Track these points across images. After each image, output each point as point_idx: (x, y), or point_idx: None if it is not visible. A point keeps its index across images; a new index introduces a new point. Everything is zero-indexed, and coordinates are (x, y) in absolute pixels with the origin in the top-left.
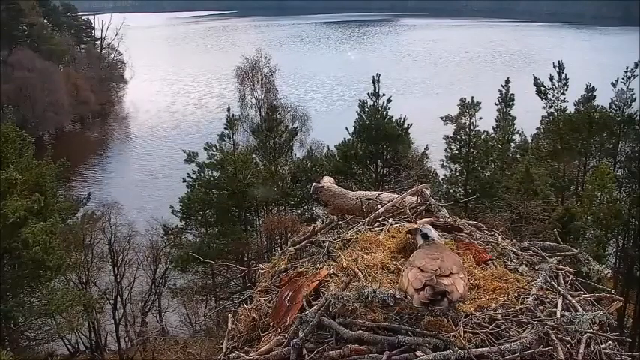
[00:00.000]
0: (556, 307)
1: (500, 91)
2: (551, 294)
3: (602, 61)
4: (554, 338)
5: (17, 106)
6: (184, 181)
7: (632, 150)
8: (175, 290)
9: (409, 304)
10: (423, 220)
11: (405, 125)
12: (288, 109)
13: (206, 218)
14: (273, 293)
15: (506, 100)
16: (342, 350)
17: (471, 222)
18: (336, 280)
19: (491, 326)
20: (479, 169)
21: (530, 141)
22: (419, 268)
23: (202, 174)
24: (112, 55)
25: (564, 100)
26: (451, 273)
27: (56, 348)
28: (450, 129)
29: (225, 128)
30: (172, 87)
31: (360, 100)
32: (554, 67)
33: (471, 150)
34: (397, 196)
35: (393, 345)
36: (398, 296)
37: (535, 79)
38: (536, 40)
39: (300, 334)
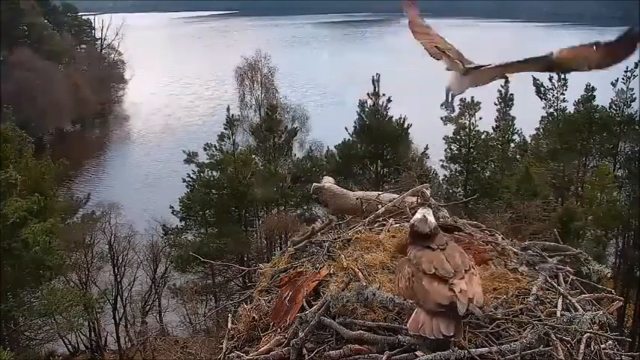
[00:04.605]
0: (556, 307)
1: (499, 91)
2: (551, 294)
3: None
4: (554, 338)
5: (17, 106)
6: (184, 181)
7: (632, 150)
8: (175, 290)
9: (408, 307)
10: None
11: (405, 125)
12: (288, 109)
13: (206, 218)
14: (273, 293)
15: (505, 100)
16: (342, 350)
17: (471, 222)
18: (336, 280)
19: (491, 326)
20: (479, 169)
21: (530, 141)
22: (432, 275)
23: (202, 174)
24: (112, 55)
25: (564, 100)
26: (465, 271)
27: (56, 348)
28: (450, 129)
29: (224, 128)
30: (172, 87)
31: (360, 100)
32: None
33: (471, 150)
34: (397, 196)
35: (393, 345)
36: (397, 301)
37: (534, 79)
38: (536, 40)
39: (300, 334)
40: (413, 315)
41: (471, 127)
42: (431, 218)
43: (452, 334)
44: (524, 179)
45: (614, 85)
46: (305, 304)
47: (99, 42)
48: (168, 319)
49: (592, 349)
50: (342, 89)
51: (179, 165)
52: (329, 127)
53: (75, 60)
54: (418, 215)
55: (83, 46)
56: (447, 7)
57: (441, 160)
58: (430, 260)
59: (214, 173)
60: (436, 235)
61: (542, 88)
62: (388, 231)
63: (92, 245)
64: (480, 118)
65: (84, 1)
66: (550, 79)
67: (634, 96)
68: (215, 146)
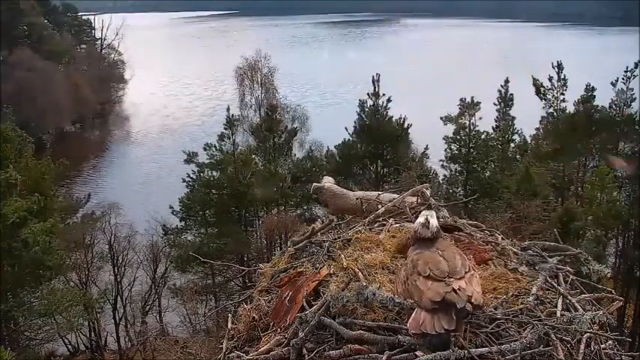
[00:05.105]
0: (556, 307)
1: (499, 91)
2: (551, 294)
3: (602, 61)
4: (554, 338)
5: (17, 106)
6: (184, 181)
7: (632, 150)
8: (175, 290)
9: (408, 307)
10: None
11: (405, 125)
12: (288, 109)
13: (206, 218)
14: (273, 293)
15: (505, 100)
16: (342, 350)
17: (471, 222)
18: (336, 280)
19: (491, 326)
20: (479, 169)
21: (530, 141)
22: (427, 276)
23: (202, 174)
24: (112, 55)
25: (564, 101)
26: (465, 272)
27: (56, 348)
28: (450, 129)
29: (224, 128)
30: (172, 87)
31: (360, 100)
32: (553, 68)
33: (471, 150)
34: (397, 196)
35: (393, 345)
36: (397, 301)
37: (534, 79)
38: (536, 40)
39: (300, 334)
40: (413, 315)
41: (471, 127)
42: (433, 221)
43: (453, 327)
44: (524, 179)
45: (614, 85)
46: (305, 304)
47: (99, 42)
48: (168, 319)
49: (592, 349)
50: (342, 89)
51: (179, 165)
52: (329, 127)
53: (75, 60)
54: (421, 219)
55: (83, 46)
56: (447, 7)
57: (441, 160)
58: (426, 262)
59: (214, 173)
60: (437, 239)
61: (542, 88)
62: (388, 231)
63: (92, 245)
64: (480, 118)
65: (84, 1)
66: (550, 79)
67: (634, 96)
68: (215, 146)
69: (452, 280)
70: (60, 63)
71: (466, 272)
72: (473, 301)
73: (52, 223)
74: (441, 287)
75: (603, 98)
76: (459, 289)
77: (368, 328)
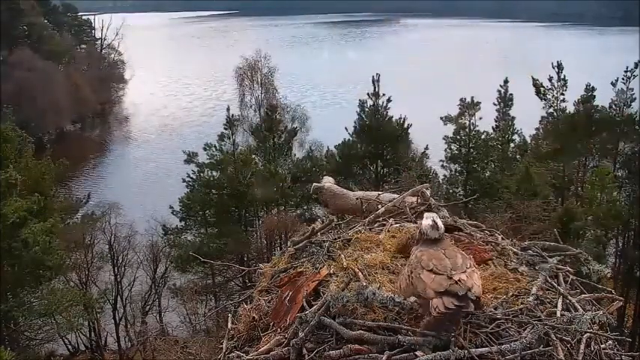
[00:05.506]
0: (556, 307)
1: (499, 91)
2: (551, 294)
3: (602, 61)
4: (554, 338)
5: (17, 106)
6: (184, 181)
7: (632, 150)
8: (175, 290)
9: (407, 307)
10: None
11: (405, 125)
12: (288, 109)
13: (206, 218)
14: (273, 293)
15: (505, 100)
16: (342, 350)
17: (471, 222)
18: (336, 280)
19: (491, 326)
20: (479, 169)
21: (530, 141)
22: (430, 270)
23: (202, 174)
24: (112, 55)
25: (564, 101)
26: (467, 268)
27: (56, 348)
28: (450, 129)
29: (224, 128)
30: (172, 87)
31: (360, 100)
32: (553, 68)
33: (471, 150)
34: (397, 196)
35: (393, 345)
36: (397, 300)
37: (534, 79)
38: (536, 40)
39: (300, 334)
40: (428, 304)
41: (471, 127)
42: (440, 223)
43: (463, 304)
44: (524, 179)
45: (614, 85)
46: (305, 304)
47: (99, 42)
48: (168, 319)
49: (592, 349)
50: (342, 89)
51: (179, 165)
52: (329, 127)
53: (75, 60)
54: (428, 221)
55: (83, 46)
56: (447, 7)
57: (441, 160)
58: (430, 258)
59: (214, 173)
60: (442, 240)
61: (542, 88)
62: (388, 231)
63: (92, 245)
64: (480, 118)
65: (84, 1)
66: (550, 79)
67: (634, 96)
68: (215, 146)
69: (454, 273)
70: (60, 63)
71: (467, 268)
72: (473, 292)
73: (52, 223)
74: (444, 280)
75: (603, 98)
76: (459, 280)
77: (368, 328)
